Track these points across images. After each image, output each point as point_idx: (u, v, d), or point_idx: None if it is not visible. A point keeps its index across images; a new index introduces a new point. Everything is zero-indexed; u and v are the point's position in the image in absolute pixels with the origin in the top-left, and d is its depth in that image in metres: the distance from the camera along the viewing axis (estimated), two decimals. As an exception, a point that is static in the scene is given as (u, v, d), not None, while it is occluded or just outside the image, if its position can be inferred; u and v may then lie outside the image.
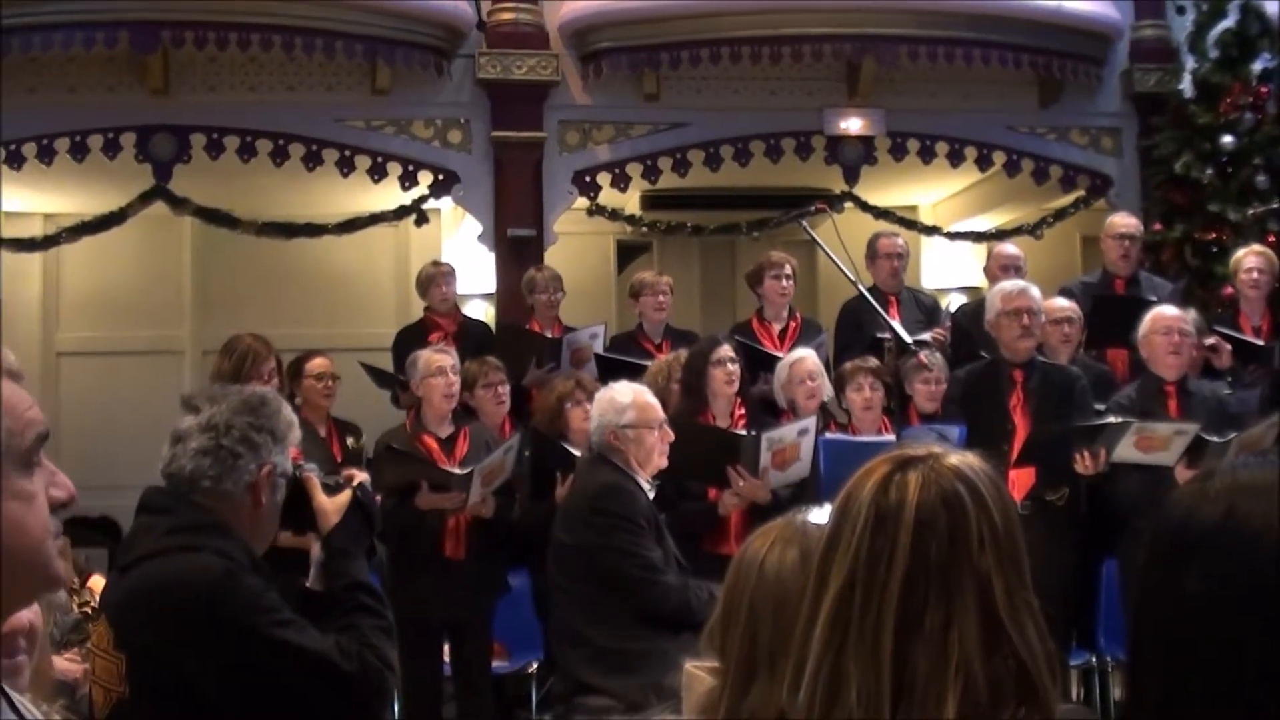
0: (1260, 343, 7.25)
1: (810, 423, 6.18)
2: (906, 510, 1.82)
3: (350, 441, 7.19)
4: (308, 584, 3.17)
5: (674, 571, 5.06)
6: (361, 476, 3.26)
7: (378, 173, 8.87)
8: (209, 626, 2.84)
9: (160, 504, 3.03)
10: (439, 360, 6.56)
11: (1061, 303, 7.25)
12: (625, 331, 8.38)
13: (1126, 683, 1.40)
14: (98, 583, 7.26)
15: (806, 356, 6.89)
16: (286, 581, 3.15)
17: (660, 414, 5.29)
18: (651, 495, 5.19)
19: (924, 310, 8.23)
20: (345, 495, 3.18)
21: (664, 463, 5.27)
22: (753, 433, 6.11)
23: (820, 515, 2.15)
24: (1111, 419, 6.22)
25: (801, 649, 1.83)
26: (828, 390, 6.92)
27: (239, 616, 2.85)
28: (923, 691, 1.74)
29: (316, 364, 6.93)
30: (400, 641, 3.22)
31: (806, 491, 5.75)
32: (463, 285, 8.70)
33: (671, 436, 5.29)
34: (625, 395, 5.24)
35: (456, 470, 6.27)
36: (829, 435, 6.57)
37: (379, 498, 3.34)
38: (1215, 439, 5.84)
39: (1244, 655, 1.24)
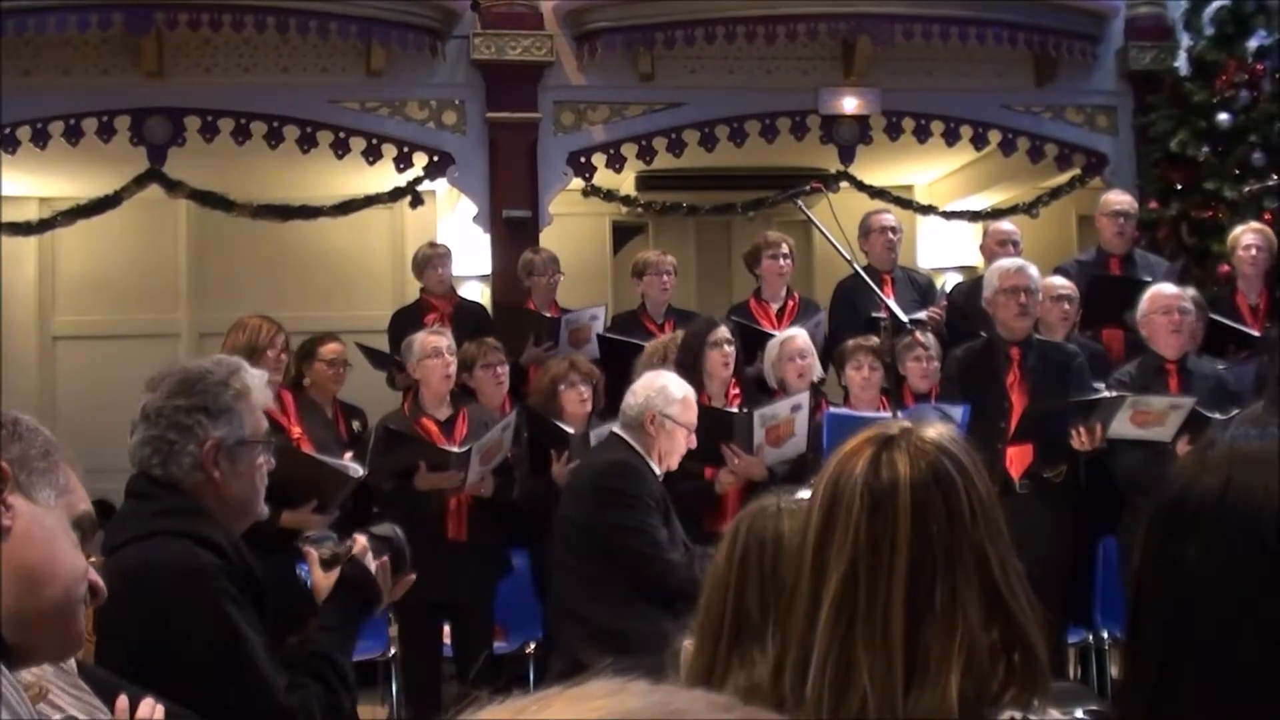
0: (1254, 331, 7.25)
1: (803, 399, 6.20)
2: (901, 491, 1.82)
3: (355, 425, 7.20)
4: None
5: (679, 551, 5.08)
6: (360, 547, 3.16)
7: (372, 154, 8.85)
8: (172, 618, 2.84)
9: (143, 490, 3.04)
10: (435, 341, 6.56)
11: (1061, 280, 7.27)
12: (628, 311, 8.36)
13: (1124, 654, 1.41)
14: None
15: (796, 335, 6.91)
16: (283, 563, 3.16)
17: (695, 420, 5.34)
18: (661, 479, 5.22)
19: (919, 290, 8.22)
20: (335, 574, 3.12)
21: (676, 465, 5.32)
22: (745, 410, 6.13)
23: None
24: (1107, 394, 6.23)
25: (804, 640, 1.83)
26: (817, 370, 6.93)
27: (203, 612, 2.85)
28: (935, 669, 1.75)
29: (330, 349, 6.94)
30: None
31: (807, 467, 5.77)
32: (458, 267, 8.68)
33: (695, 444, 5.33)
34: (678, 389, 5.29)
35: (454, 449, 6.28)
36: (833, 410, 6.59)
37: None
38: (1217, 415, 5.84)
39: (1242, 626, 1.25)
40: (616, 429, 5.34)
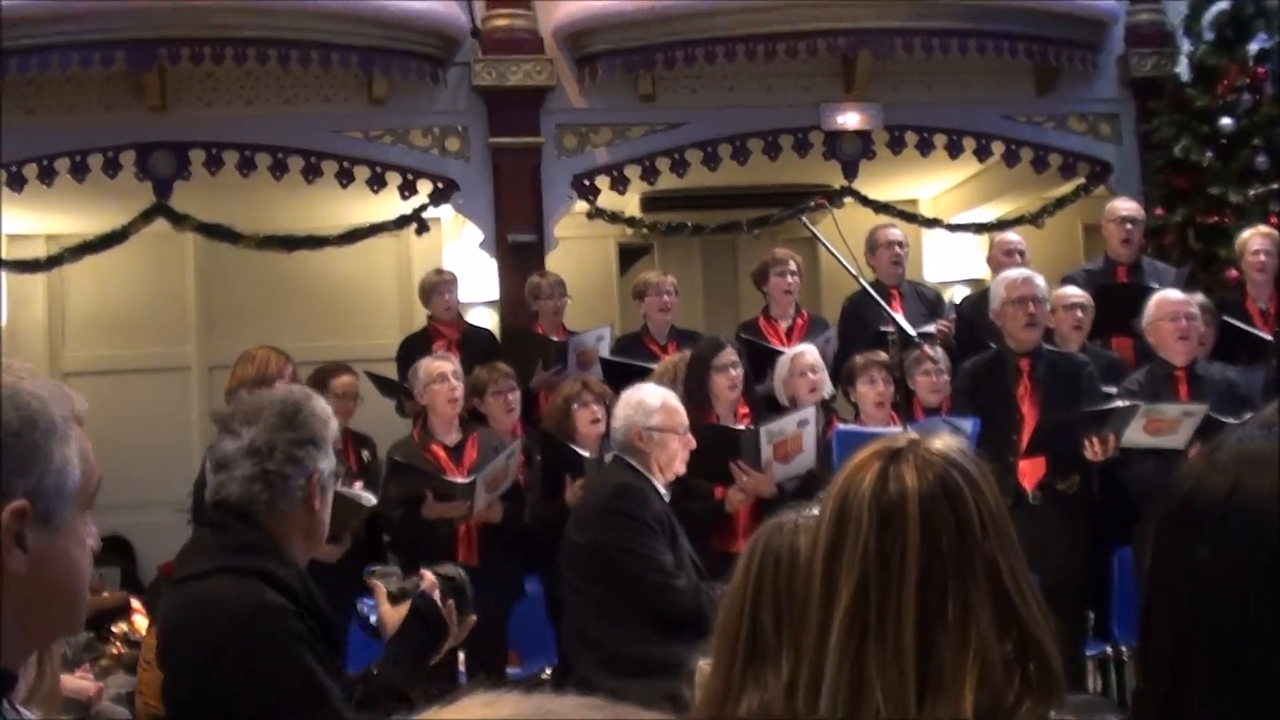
0: (1267, 336, 7.21)
1: (810, 413, 6.17)
2: (909, 504, 1.81)
3: (365, 455, 7.21)
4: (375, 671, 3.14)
5: (689, 576, 5.04)
6: (429, 583, 3.18)
7: (377, 183, 8.86)
8: (241, 655, 2.84)
9: (220, 521, 3.02)
10: (440, 367, 6.58)
11: (1073, 289, 7.25)
12: (630, 333, 8.36)
13: (1137, 658, 1.40)
14: (141, 623, 7.32)
15: (806, 351, 6.89)
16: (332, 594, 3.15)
17: (685, 420, 5.29)
18: (667, 499, 5.19)
19: (926, 303, 8.21)
20: (404, 609, 3.14)
21: (683, 469, 5.28)
22: (751, 427, 6.10)
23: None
24: (1119, 403, 6.21)
25: (816, 658, 1.82)
26: (828, 387, 6.90)
27: (272, 649, 2.85)
28: (949, 683, 1.73)
29: (342, 382, 6.96)
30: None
31: (818, 484, 5.73)
32: (465, 293, 8.70)
33: (694, 444, 5.29)
34: (654, 398, 5.24)
35: (459, 480, 6.27)
36: (843, 426, 6.56)
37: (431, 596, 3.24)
38: (1231, 420, 5.82)
39: (1251, 627, 1.24)
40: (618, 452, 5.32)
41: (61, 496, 1.64)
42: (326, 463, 3.04)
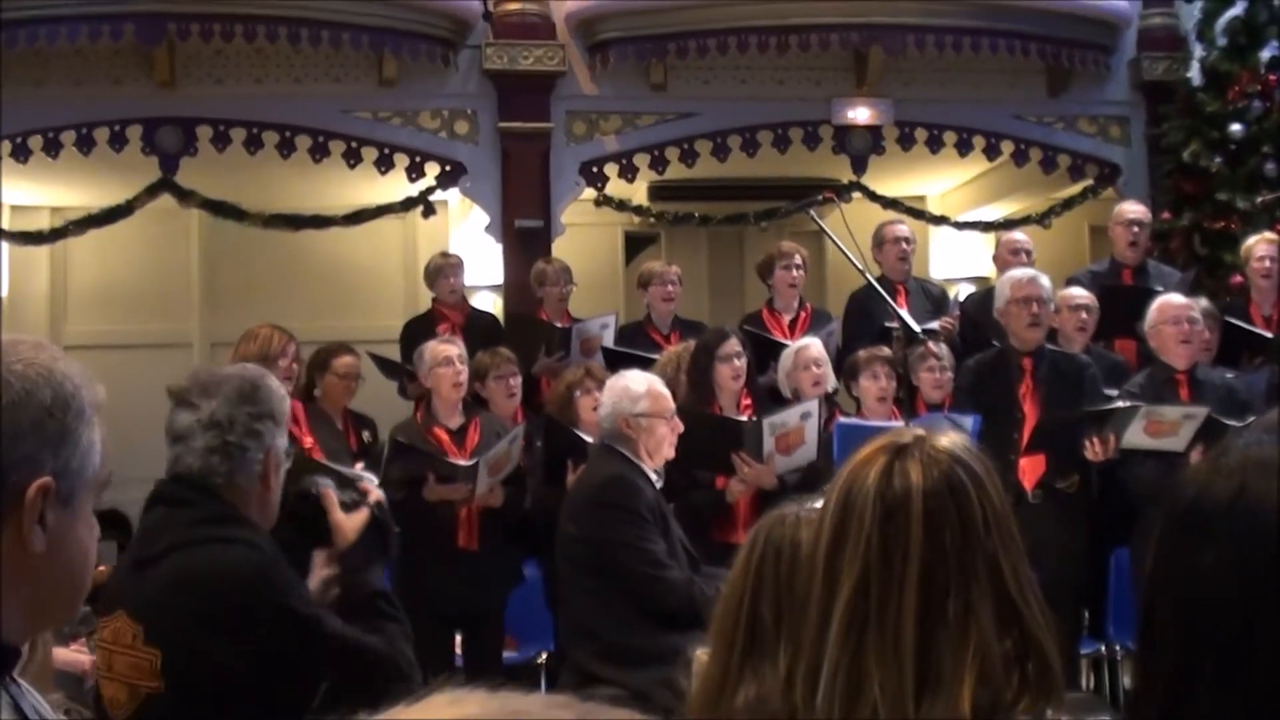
0: (1268, 334, 7.22)
1: (813, 406, 6.17)
2: (914, 500, 1.80)
3: (366, 435, 7.21)
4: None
5: (681, 563, 5.03)
6: (377, 494, 3.27)
7: (385, 164, 8.86)
8: (254, 617, 2.87)
9: (180, 496, 3.02)
10: (445, 350, 6.56)
11: (1079, 290, 7.25)
12: (633, 322, 8.35)
13: (1136, 661, 1.40)
14: None
15: (811, 344, 6.88)
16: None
17: (672, 404, 5.28)
18: (659, 485, 5.17)
19: (932, 300, 8.21)
20: (362, 515, 3.19)
21: (671, 453, 5.26)
22: (754, 419, 6.10)
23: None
24: (1120, 404, 6.21)
25: (815, 650, 1.82)
26: (832, 381, 6.90)
27: (286, 606, 2.90)
28: (948, 680, 1.73)
29: (344, 362, 6.95)
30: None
31: (819, 477, 5.73)
32: (470, 277, 8.68)
33: (681, 428, 5.28)
34: (639, 384, 5.22)
35: (462, 462, 6.27)
36: (844, 420, 6.55)
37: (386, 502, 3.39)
38: (1234, 423, 5.81)
39: (1256, 631, 1.24)
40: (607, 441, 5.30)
41: (83, 479, 1.66)
42: (282, 440, 3.06)
